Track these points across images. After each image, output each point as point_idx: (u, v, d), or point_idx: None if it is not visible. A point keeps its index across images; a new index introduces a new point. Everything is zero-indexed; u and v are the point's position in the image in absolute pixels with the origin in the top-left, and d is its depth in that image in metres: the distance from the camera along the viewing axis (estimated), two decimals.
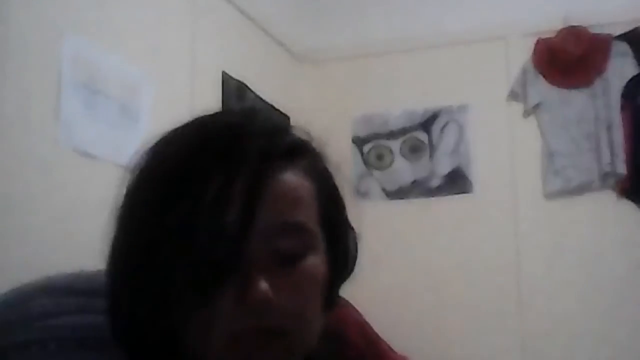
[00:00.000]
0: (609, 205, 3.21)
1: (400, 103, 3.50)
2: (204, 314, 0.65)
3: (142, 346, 0.68)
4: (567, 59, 3.28)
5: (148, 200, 0.66)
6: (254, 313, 0.64)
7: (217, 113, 0.73)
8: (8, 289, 0.77)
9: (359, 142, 3.54)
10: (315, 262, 0.70)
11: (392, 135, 3.50)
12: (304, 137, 0.73)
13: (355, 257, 0.80)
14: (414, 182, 3.46)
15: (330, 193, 0.75)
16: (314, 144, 0.74)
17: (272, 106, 3.24)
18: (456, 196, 3.39)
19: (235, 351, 0.65)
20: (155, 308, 0.65)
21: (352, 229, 0.80)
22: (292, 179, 0.69)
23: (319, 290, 0.70)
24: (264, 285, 0.64)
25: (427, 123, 3.47)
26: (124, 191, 0.69)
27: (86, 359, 0.71)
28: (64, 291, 0.75)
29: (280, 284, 0.66)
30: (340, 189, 0.76)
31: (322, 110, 3.60)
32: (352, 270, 0.79)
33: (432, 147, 3.45)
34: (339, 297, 0.78)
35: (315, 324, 0.70)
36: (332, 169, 0.75)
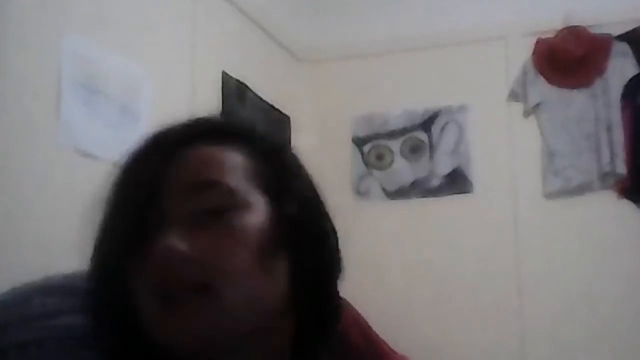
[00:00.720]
0: (609, 205, 3.21)
1: (400, 103, 3.50)
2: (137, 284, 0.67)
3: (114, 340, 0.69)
4: (567, 59, 3.28)
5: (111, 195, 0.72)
6: (160, 268, 0.65)
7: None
8: (7, 288, 0.77)
9: (359, 142, 3.54)
10: (245, 219, 0.69)
11: (392, 135, 3.50)
12: (252, 130, 0.77)
13: (332, 239, 0.79)
14: (414, 182, 3.46)
15: (282, 171, 0.75)
16: (265, 136, 0.77)
17: (272, 106, 3.24)
18: (456, 196, 3.39)
19: (167, 318, 0.65)
20: (114, 289, 0.68)
21: (327, 214, 0.80)
22: (215, 150, 0.72)
23: (252, 246, 0.68)
24: (168, 239, 0.65)
25: (427, 123, 3.47)
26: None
27: (84, 359, 0.71)
28: (62, 291, 0.75)
29: (198, 239, 0.66)
30: (301, 173, 0.78)
31: (322, 110, 3.60)
32: (333, 247, 0.77)
33: (432, 147, 3.45)
34: (336, 290, 0.76)
35: (253, 283, 0.68)
36: (291, 160, 0.77)
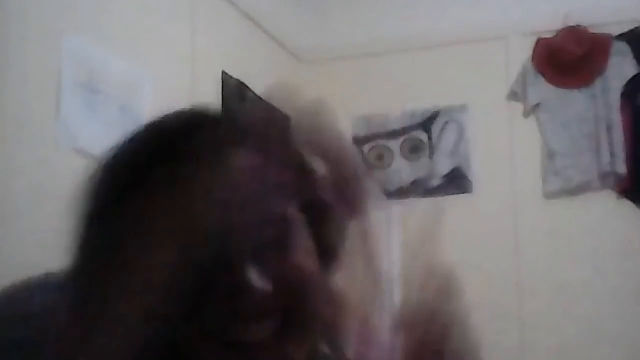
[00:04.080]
0: (609, 205, 3.21)
1: (400, 103, 3.50)
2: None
3: None
4: (567, 59, 3.28)
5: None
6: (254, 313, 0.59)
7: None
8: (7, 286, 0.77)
9: (359, 142, 3.54)
10: (304, 244, 0.64)
11: (392, 135, 3.50)
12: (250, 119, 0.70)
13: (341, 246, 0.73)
14: (414, 182, 3.46)
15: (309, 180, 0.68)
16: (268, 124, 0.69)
17: (271, 106, 3.24)
18: (456, 196, 3.39)
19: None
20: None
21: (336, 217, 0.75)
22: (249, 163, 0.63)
23: (315, 272, 0.65)
24: (295, 257, 0.60)
25: (427, 123, 3.47)
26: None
27: None
28: (63, 288, 0.75)
29: (272, 272, 0.60)
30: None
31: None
32: (338, 258, 0.73)
33: (432, 147, 3.45)
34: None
35: (320, 306, 0.65)
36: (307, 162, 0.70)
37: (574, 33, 3.27)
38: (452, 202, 3.38)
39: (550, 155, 3.28)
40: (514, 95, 3.37)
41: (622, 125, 3.19)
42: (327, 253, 0.69)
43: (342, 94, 3.59)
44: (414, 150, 3.47)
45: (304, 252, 0.65)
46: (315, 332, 0.66)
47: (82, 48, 2.11)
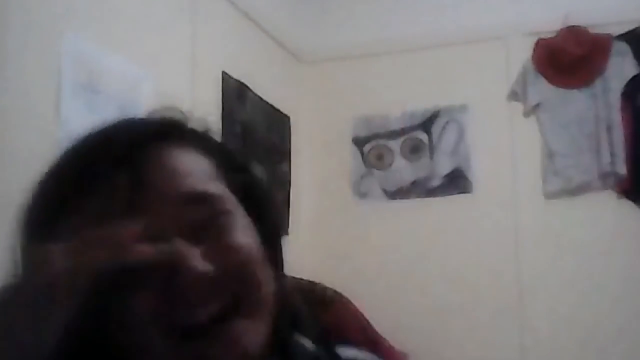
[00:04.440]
0: (609, 205, 3.21)
1: (400, 103, 3.50)
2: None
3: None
4: (567, 59, 3.28)
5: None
6: (187, 294, 0.58)
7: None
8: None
9: (359, 142, 3.54)
10: (236, 227, 0.64)
11: (392, 135, 3.50)
12: (177, 117, 0.70)
13: (278, 226, 0.73)
14: (414, 182, 3.46)
15: (234, 164, 0.70)
16: (195, 124, 0.70)
17: (272, 106, 3.24)
18: (456, 196, 3.39)
19: (183, 349, 0.59)
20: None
21: (270, 197, 0.75)
22: (184, 154, 0.66)
23: (256, 254, 0.64)
24: (191, 261, 0.59)
25: (427, 123, 3.47)
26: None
27: None
28: None
29: (209, 257, 0.60)
30: (244, 163, 0.72)
31: (322, 110, 3.60)
32: (278, 239, 0.72)
33: (432, 147, 3.45)
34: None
35: (268, 289, 0.64)
36: (224, 145, 0.72)
37: (574, 33, 3.27)
38: (452, 202, 3.39)
39: (550, 155, 3.28)
40: (514, 95, 3.37)
41: (622, 125, 3.20)
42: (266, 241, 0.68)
43: (342, 94, 3.60)
44: (414, 150, 3.48)
45: (242, 232, 0.64)
46: (267, 316, 0.64)
47: (82, 48, 2.11)
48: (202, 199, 0.63)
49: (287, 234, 3.15)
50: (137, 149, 0.64)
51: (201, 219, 0.62)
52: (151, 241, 0.57)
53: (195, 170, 0.65)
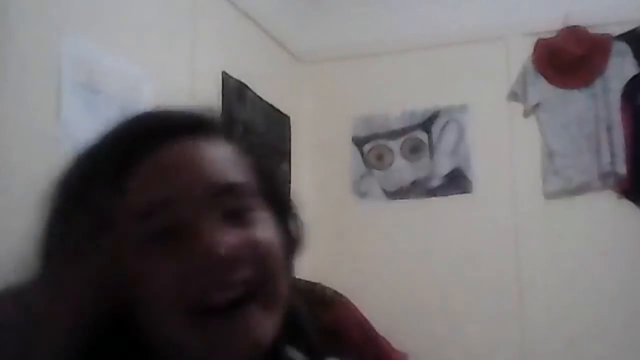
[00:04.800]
0: (609, 205, 3.21)
1: (400, 103, 3.50)
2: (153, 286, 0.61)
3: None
4: (567, 59, 3.28)
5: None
6: (209, 266, 0.60)
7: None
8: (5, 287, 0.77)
9: (359, 142, 3.54)
10: (263, 220, 0.67)
11: (392, 135, 3.50)
12: (218, 119, 0.73)
13: (301, 234, 0.75)
14: (414, 182, 3.46)
15: (267, 168, 0.73)
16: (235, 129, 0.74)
17: (272, 106, 3.24)
18: (456, 196, 3.39)
19: (198, 328, 0.60)
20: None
21: (295, 206, 0.76)
22: (219, 147, 0.69)
23: (278, 248, 0.67)
24: (215, 234, 0.61)
25: (427, 123, 3.47)
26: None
27: None
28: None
29: (237, 239, 0.63)
30: (275, 167, 0.77)
31: (322, 110, 3.60)
32: (300, 246, 0.75)
33: (432, 147, 3.45)
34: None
35: (286, 282, 0.67)
36: (261, 150, 0.75)
37: (574, 33, 3.27)
38: (452, 202, 3.39)
39: (550, 155, 3.28)
40: (514, 95, 3.37)
41: (622, 125, 3.20)
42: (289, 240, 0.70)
43: (342, 94, 3.60)
44: (414, 150, 3.48)
45: (265, 226, 0.67)
46: (280, 311, 0.66)
47: (82, 48, 2.11)
48: (231, 189, 0.66)
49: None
50: (171, 136, 0.66)
51: (228, 209, 0.64)
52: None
53: (227, 162, 0.68)
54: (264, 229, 0.66)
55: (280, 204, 0.71)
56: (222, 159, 0.68)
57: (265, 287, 0.64)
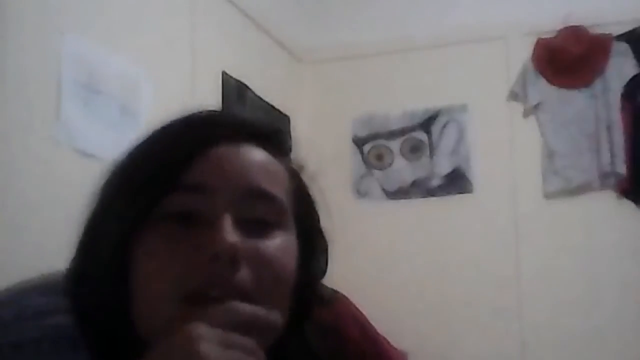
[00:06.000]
0: (609, 205, 3.21)
1: (400, 103, 3.50)
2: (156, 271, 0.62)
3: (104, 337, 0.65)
4: (567, 59, 3.28)
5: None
6: (219, 263, 0.60)
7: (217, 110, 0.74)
8: (4, 287, 0.77)
9: (359, 142, 3.54)
10: (286, 242, 0.66)
11: (392, 135, 3.50)
12: (291, 144, 0.74)
13: (324, 269, 0.76)
14: (414, 182, 3.46)
15: (308, 198, 0.73)
16: (297, 157, 0.74)
17: (272, 106, 3.24)
18: (456, 196, 3.39)
19: (187, 317, 0.59)
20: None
21: (326, 240, 0.78)
22: (270, 158, 0.69)
23: (290, 272, 0.66)
24: (232, 234, 0.61)
25: (427, 123, 3.47)
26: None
27: (80, 359, 0.71)
28: (59, 290, 0.75)
29: (249, 251, 0.62)
30: (315, 202, 0.75)
31: (322, 110, 3.60)
32: (321, 276, 0.75)
33: (432, 147, 3.45)
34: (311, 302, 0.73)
35: (283, 307, 0.65)
36: (309, 182, 0.75)
37: (574, 33, 3.27)
38: (452, 202, 3.39)
39: (550, 155, 3.28)
40: (514, 95, 3.37)
41: (622, 125, 3.20)
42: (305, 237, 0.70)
43: (342, 94, 3.60)
44: (414, 150, 3.48)
45: (286, 246, 0.67)
46: (277, 303, 0.65)
47: (82, 48, 2.11)
48: (262, 196, 0.66)
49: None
50: (236, 140, 0.67)
51: (253, 215, 0.65)
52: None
53: (270, 174, 0.67)
54: (280, 249, 0.65)
55: (311, 235, 0.72)
56: (268, 170, 0.68)
57: (258, 304, 0.62)
